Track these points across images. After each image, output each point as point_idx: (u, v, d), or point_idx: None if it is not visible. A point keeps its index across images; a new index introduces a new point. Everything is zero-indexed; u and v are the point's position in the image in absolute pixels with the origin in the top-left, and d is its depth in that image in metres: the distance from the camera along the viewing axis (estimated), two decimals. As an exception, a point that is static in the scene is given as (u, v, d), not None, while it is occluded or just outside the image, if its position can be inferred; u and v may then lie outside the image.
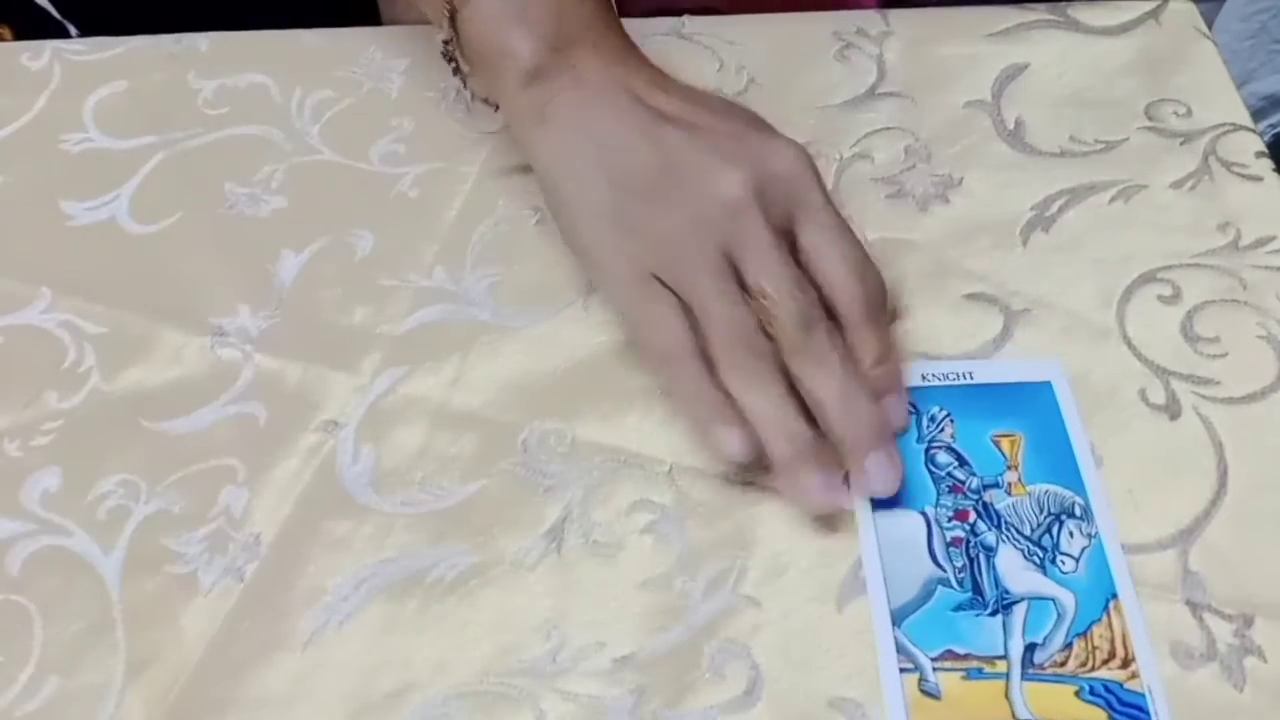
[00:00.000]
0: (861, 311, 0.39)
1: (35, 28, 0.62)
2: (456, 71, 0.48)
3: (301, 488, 0.41)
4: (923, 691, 0.35)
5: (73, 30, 0.63)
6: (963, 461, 0.40)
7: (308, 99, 0.53)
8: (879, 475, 0.38)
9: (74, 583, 0.39)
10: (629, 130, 0.41)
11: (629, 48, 0.45)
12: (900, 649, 0.36)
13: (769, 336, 0.38)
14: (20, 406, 0.43)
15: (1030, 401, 0.41)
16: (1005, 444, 0.40)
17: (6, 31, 0.63)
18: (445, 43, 0.47)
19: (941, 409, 0.41)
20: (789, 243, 0.40)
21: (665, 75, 0.44)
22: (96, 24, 0.60)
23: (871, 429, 0.38)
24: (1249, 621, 0.36)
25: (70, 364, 0.44)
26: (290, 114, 0.52)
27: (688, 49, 0.55)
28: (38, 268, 0.48)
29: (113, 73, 0.55)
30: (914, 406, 0.41)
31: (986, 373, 0.42)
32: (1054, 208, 0.47)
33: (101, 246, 0.48)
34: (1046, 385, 0.41)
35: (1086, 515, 0.38)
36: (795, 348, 0.38)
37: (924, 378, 0.42)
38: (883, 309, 0.40)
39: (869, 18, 0.55)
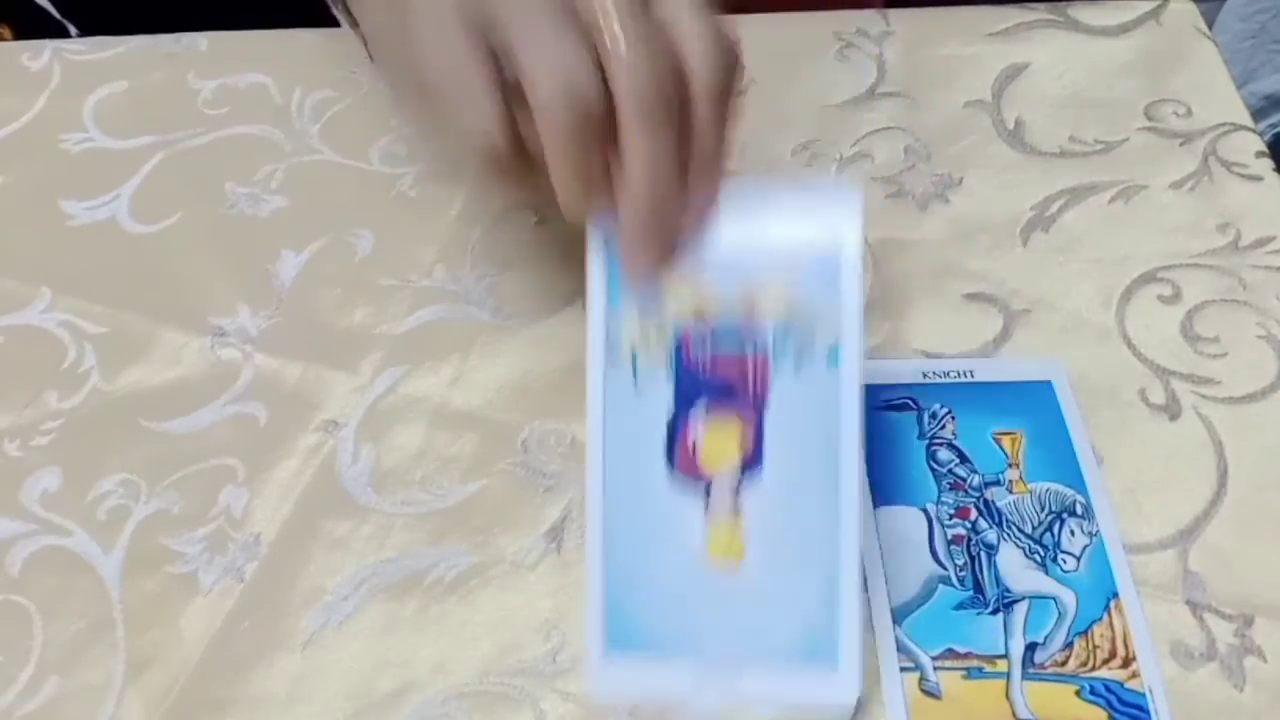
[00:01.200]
0: (709, 94, 0.33)
1: (35, 28, 0.62)
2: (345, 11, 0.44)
3: (301, 488, 0.41)
4: (923, 690, 0.35)
5: (73, 30, 0.62)
6: (964, 459, 0.40)
7: (308, 99, 0.53)
8: (645, 254, 0.34)
9: (74, 583, 0.39)
10: None
11: None
12: (900, 648, 0.36)
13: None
14: (20, 406, 0.43)
15: (1031, 400, 0.41)
16: (1006, 442, 0.40)
17: (6, 31, 0.63)
18: None
19: (943, 406, 0.41)
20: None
21: None
22: (96, 24, 0.60)
23: (664, 217, 0.34)
24: (1249, 621, 0.36)
25: (70, 364, 0.44)
26: (290, 114, 0.52)
27: (688, 49, 0.55)
28: (38, 268, 0.48)
29: (113, 72, 0.55)
30: (915, 403, 0.41)
31: (988, 371, 0.42)
32: (1054, 208, 0.47)
33: (101, 246, 0.48)
34: (1048, 384, 0.41)
35: (1088, 514, 0.38)
36: (636, 103, 0.32)
37: (925, 375, 0.42)
38: (732, 93, 0.34)
39: (869, 18, 0.55)
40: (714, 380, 0.35)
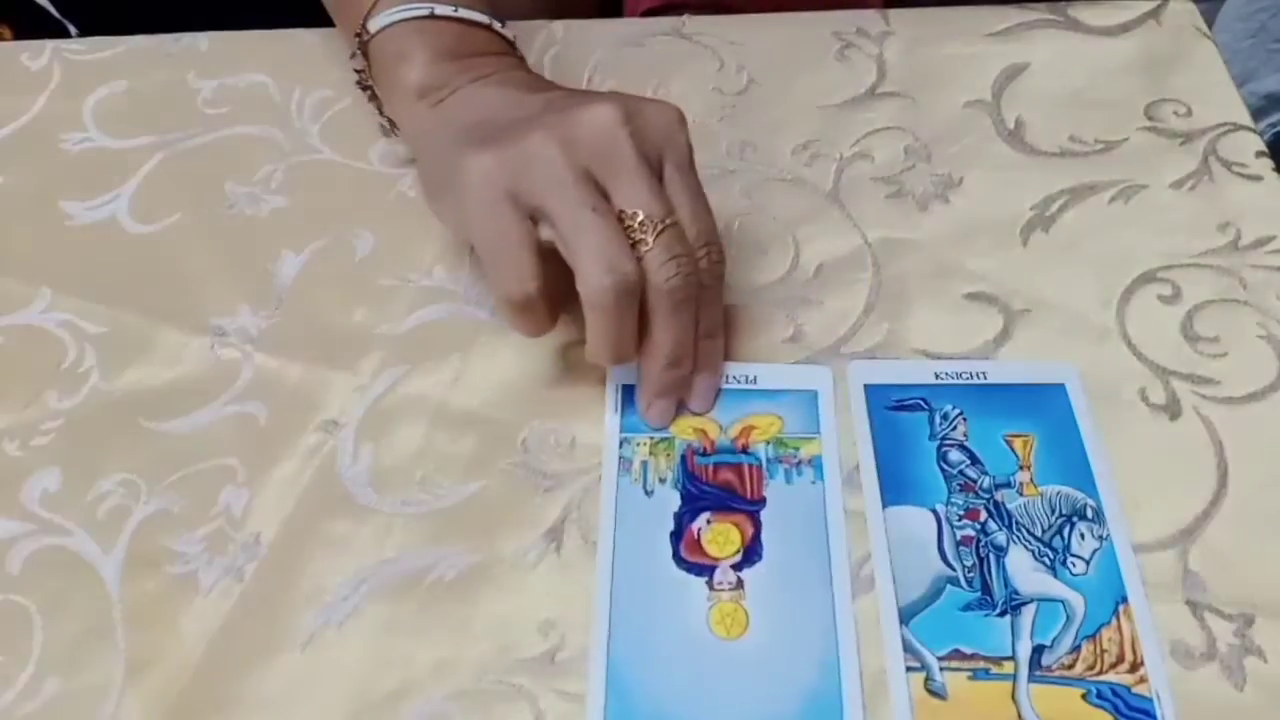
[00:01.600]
0: (713, 281, 0.40)
1: (35, 27, 0.62)
2: (372, 98, 0.48)
3: (301, 488, 0.41)
4: (929, 691, 0.35)
5: (73, 30, 0.63)
6: (975, 460, 0.40)
7: (308, 99, 0.53)
8: (662, 418, 0.41)
9: (74, 583, 0.39)
10: (509, 97, 0.42)
11: (525, 66, 0.47)
12: (907, 647, 0.36)
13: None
14: (20, 406, 0.43)
15: (1044, 402, 0.41)
16: (1018, 444, 0.40)
17: (6, 31, 0.63)
18: (359, 71, 0.48)
19: (954, 407, 0.41)
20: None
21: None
22: (96, 24, 0.60)
23: (678, 386, 0.41)
24: (1249, 621, 0.36)
25: (70, 364, 0.44)
26: (290, 114, 0.52)
27: (688, 49, 0.55)
28: (38, 268, 0.48)
29: (113, 72, 0.55)
30: (926, 404, 0.41)
31: (1000, 373, 0.42)
32: (1054, 208, 0.47)
33: (101, 246, 0.48)
34: (1060, 387, 0.41)
35: (1098, 518, 0.38)
36: (664, 282, 0.38)
37: (937, 376, 0.42)
38: (722, 284, 0.41)
39: (869, 18, 0.55)
40: (716, 486, 0.40)
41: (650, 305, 0.38)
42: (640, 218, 0.38)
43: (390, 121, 0.48)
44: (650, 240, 0.38)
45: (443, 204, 0.42)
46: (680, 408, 0.41)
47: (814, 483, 0.40)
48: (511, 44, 0.47)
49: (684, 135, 0.40)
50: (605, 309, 0.37)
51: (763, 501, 0.39)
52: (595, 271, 0.37)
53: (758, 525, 0.39)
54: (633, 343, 0.39)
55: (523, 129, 0.38)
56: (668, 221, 0.38)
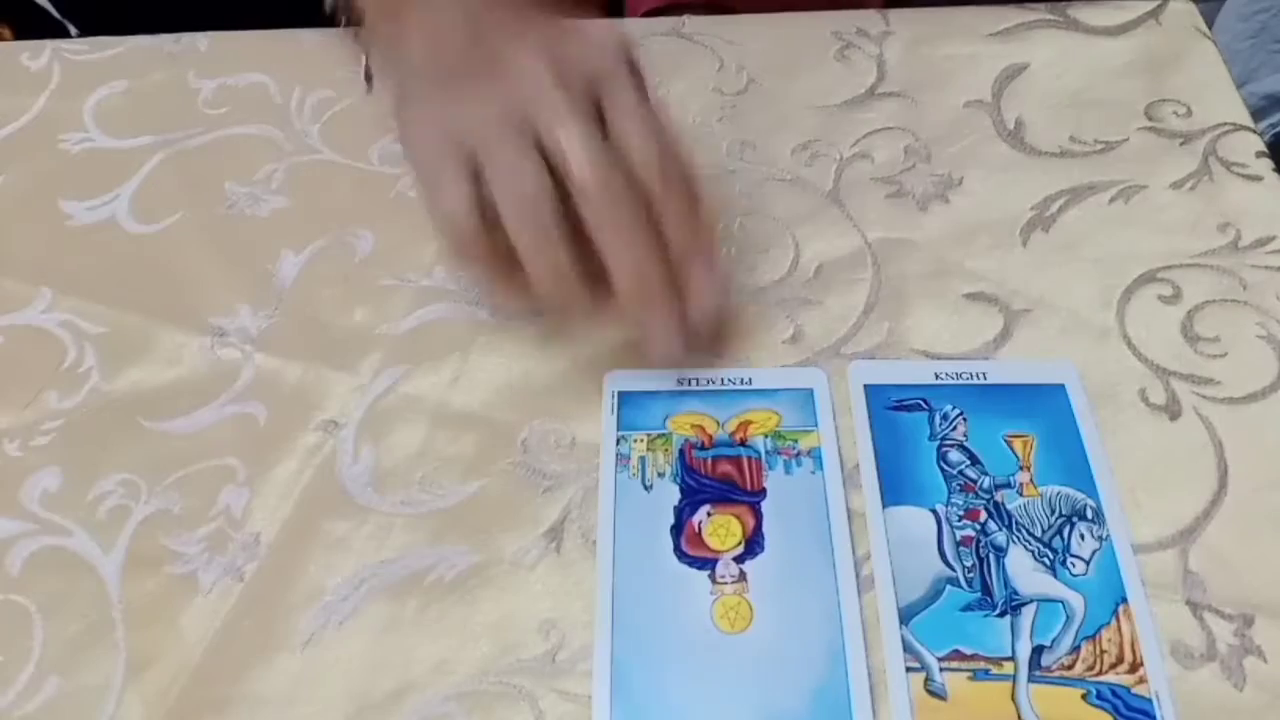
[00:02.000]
0: (663, 184, 0.38)
1: (35, 27, 0.62)
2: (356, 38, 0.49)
3: (301, 488, 0.41)
4: (929, 691, 0.35)
5: (73, 30, 0.63)
6: (974, 460, 0.40)
7: (308, 99, 0.53)
8: (662, 336, 0.39)
9: (74, 583, 0.39)
10: (456, 22, 0.42)
11: None
12: (907, 648, 0.36)
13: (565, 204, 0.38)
14: (20, 406, 0.43)
15: (1043, 403, 0.41)
16: (1018, 444, 0.40)
17: (6, 31, 0.63)
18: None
19: (954, 407, 0.41)
20: (598, 118, 0.39)
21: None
22: (96, 24, 0.60)
23: (660, 294, 0.38)
24: (1249, 621, 0.36)
25: (70, 364, 0.44)
26: (290, 114, 0.52)
27: (688, 49, 0.55)
28: (38, 268, 0.48)
29: (113, 72, 0.55)
30: (927, 404, 0.41)
31: (1000, 373, 0.42)
32: (1054, 208, 0.47)
33: (101, 246, 0.48)
34: (1060, 387, 0.41)
35: (1098, 518, 0.38)
36: (597, 218, 0.37)
37: (937, 376, 0.42)
38: (687, 183, 0.39)
39: (869, 18, 0.55)
40: (715, 478, 0.40)
41: (591, 234, 0.38)
42: (570, 161, 0.37)
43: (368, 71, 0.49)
44: (578, 159, 0.37)
45: (394, 115, 0.43)
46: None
47: (814, 473, 0.40)
48: None
49: (620, 61, 0.40)
50: (522, 228, 0.37)
51: (763, 492, 0.39)
52: (507, 195, 0.37)
53: (759, 517, 0.39)
54: (575, 272, 0.38)
55: (464, 79, 0.40)
56: (596, 162, 0.37)
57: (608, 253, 0.38)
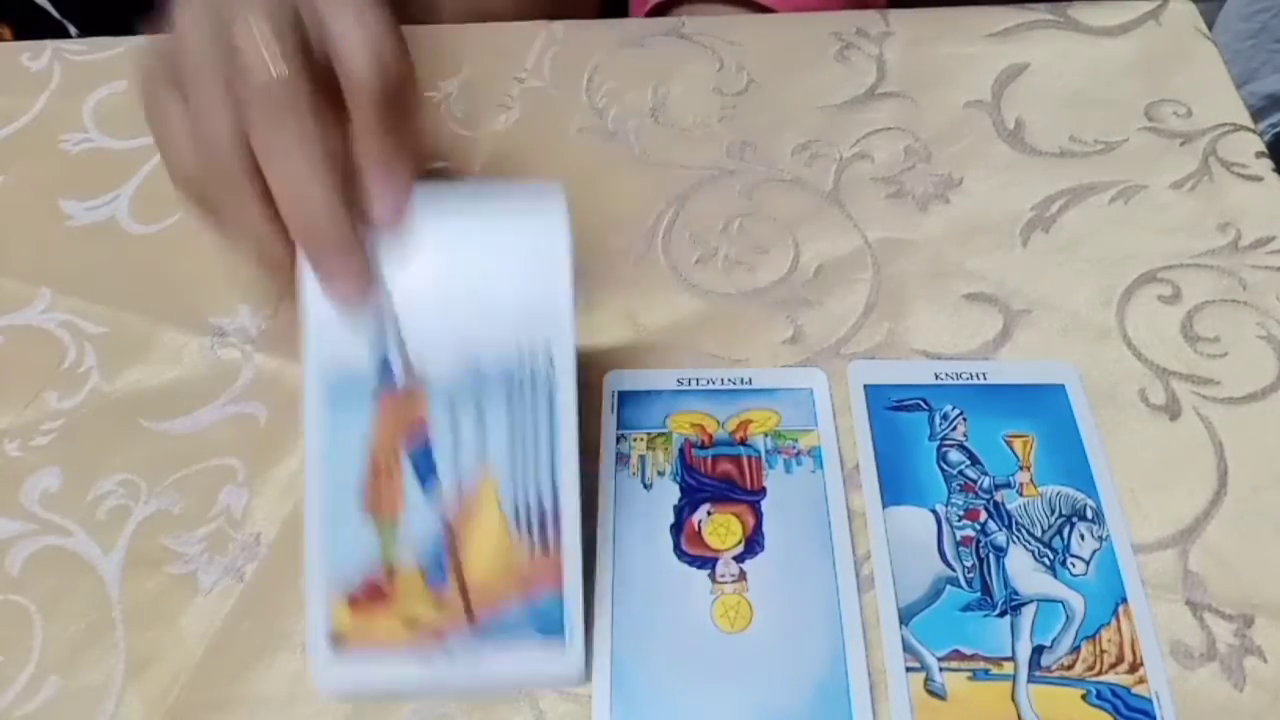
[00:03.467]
0: (367, 95, 0.33)
1: (35, 28, 0.62)
2: None
3: (301, 488, 0.41)
4: (929, 691, 0.35)
5: (73, 30, 0.62)
6: (975, 460, 0.40)
7: (308, 99, 0.53)
8: (331, 285, 0.34)
9: (74, 583, 0.39)
10: None
11: None
12: (907, 648, 0.36)
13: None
14: (20, 406, 0.43)
15: (1043, 403, 0.41)
16: (1017, 444, 0.40)
17: (6, 31, 0.63)
18: None
19: (954, 407, 0.41)
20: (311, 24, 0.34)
21: None
22: (96, 24, 0.60)
23: (329, 239, 0.33)
24: (1249, 621, 0.36)
25: (70, 364, 0.44)
26: (290, 114, 0.52)
27: (688, 49, 0.55)
28: (38, 268, 0.48)
29: (113, 73, 0.55)
30: (926, 404, 0.41)
31: (1000, 373, 0.42)
32: (1054, 208, 0.47)
33: (101, 246, 0.48)
34: (1060, 387, 0.41)
35: (1098, 518, 0.38)
36: (256, 130, 0.33)
37: (937, 376, 0.42)
38: (395, 95, 0.34)
39: (869, 18, 0.55)
40: (715, 477, 0.40)
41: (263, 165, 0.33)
42: (240, 55, 0.33)
43: None
44: (248, 86, 0.33)
45: None
46: None
47: (814, 472, 0.40)
48: None
49: None
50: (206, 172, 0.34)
51: (763, 492, 0.39)
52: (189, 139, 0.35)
53: (759, 516, 0.39)
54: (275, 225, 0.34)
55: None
56: (267, 62, 0.33)
57: (269, 179, 0.33)
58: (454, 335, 0.34)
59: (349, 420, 0.34)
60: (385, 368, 0.34)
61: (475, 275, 0.35)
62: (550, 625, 0.34)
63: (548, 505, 0.34)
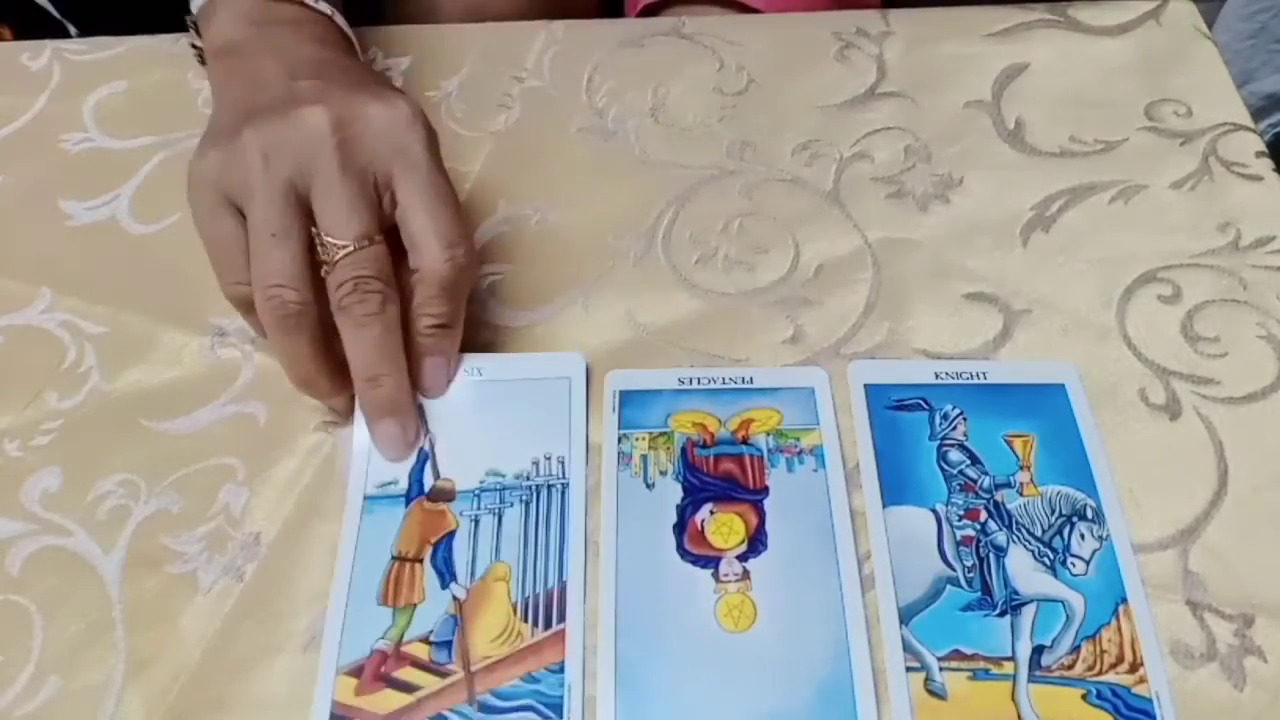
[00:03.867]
0: (435, 280, 0.39)
1: (35, 27, 0.62)
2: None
3: (301, 488, 0.41)
4: (929, 691, 0.35)
5: (73, 30, 0.62)
6: (975, 460, 0.40)
7: (308, 99, 0.53)
8: (386, 444, 0.40)
9: (74, 583, 0.39)
10: (267, 77, 0.41)
11: (333, 35, 0.46)
12: (907, 647, 0.36)
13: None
14: (20, 406, 0.43)
15: (1044, 403, 0.41)
16: (1018, 444, 0.40)
17: (6, 31, 0.63)
18: (195, 47, 0.49)
19: (955, 407, 0.41)
20: (382, 191, 0.39)
21: (354, 65, 0.45)
22: (96, 24, 0.60)
23: (389, 405, 0.39)
24: (1249, 621, 0.36)
25: (70, 364, 0.44)
26: (290, 114, 0.52)
27: (688, 49, 0.55)
28: (38, 268, 0.48)
29: (113, 73, 0.55)
30: (927, 403, 0.41)
31: (1000, 373, 0.42)
32: (1054, 208, 0.47)
33: (101, 246, 0.48)
34: (1060, 387, 0.41)
35: (1098, 518, 0.38)
36: (338, 304, 0.38)
37: (937, 376, 0.42)
38: (461, 282, 0.40)
39: (869, 18, 0.55)
40: (717, 477, 0.40)
41: (337, 324, 0.39)
42: (327, 239, 0.38)
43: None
44: (333, 264, 0.38)
45: None
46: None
47: (816, 471, 0.40)
48: (324, 14, 0.46)
49: (417, 134, 0.40)
50: (270, 331, 0.38)
51: (765, 491, 0.39)
52: (259, 298, 0.38)
53: (761, 515, 0.39)
54: (319, 369, 0.39)
55: (242, 126, 0.39)
56: (356, 245, 0.38)
57: (347, 345, 0.39)
58: (481, 453, 0.40)
59: (380, 527, 0.39)
60: (418, 479, 0.40)
61: (502, 407, 0.41)
62: (551, 703, 0.35)
63: (555, 590, 0.37)
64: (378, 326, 0.38)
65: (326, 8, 0.46)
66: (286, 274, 0.37)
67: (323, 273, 0.38)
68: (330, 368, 0.39)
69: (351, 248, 0.38)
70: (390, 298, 0.38)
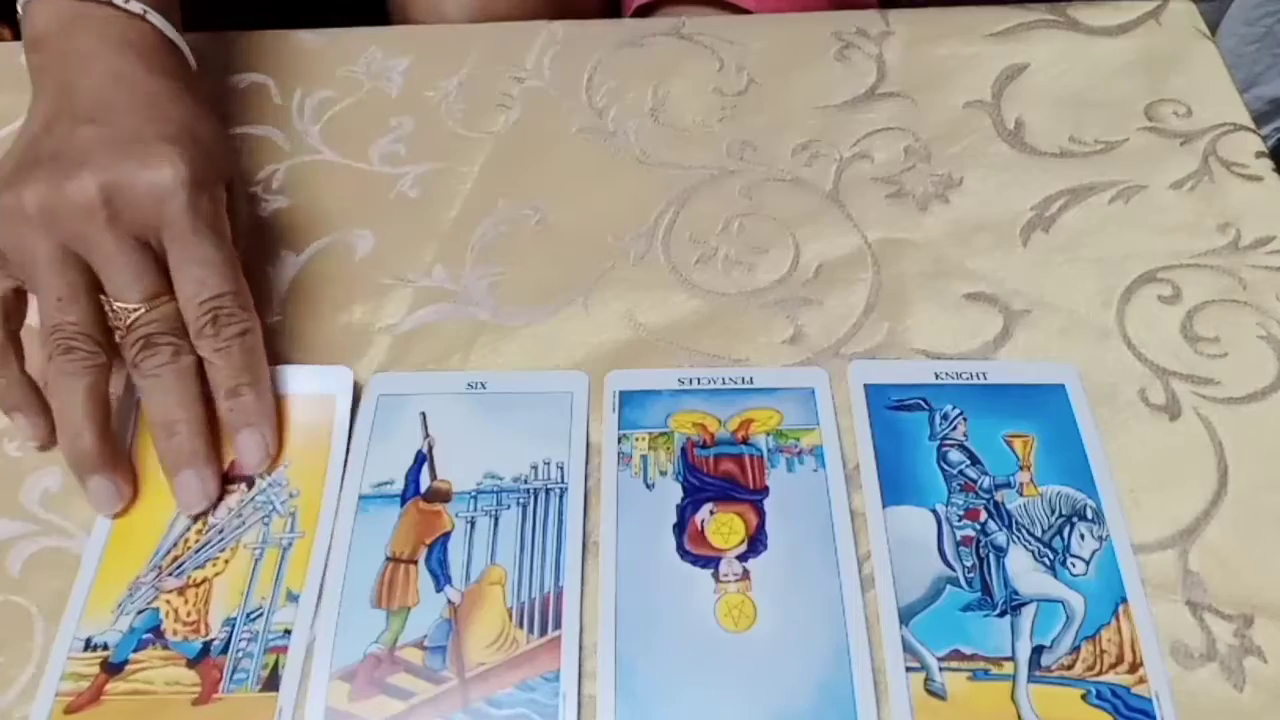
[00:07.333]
0: (208, 350, 0.39)
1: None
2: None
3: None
4: (928, 691, 0.35)
5: (73, 31, 0.62)
6: (975, 460, 0.40)
7: (308, 99, 0.53)
8: (185, 496, 0.39)
9: (74, 583, 0.39)
10: (59, 105, 0.42)
11: (137, 46, 0.44)
12: (907, 647, 0.36)
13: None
14: (20, 406, 0.43)
15: (1044, 403, 0.41)
16: (1018, 444, 0.40)
17: (6, 31, 0.63)
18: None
19: (955, 407, 0.41)
20: (163, 250, 0.40)
21: (161, 76, 0.44)
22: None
23: (186, 455, 0.39)
24: (1249, 621, 0.36)
25: (70, 364, 0.44)
26: (290, 114, 0.52)
27: (688, 49, 0.55)
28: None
29: (113, 73, 0.55)
30: (927, 404, 0.41)
31: (1000, 373, 0.42)
32: (1054, 208, 0.47)
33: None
34: (1060, 387, 0.41)
35: (1098, 518, 0.38)
36: (132, 363, 0.39)
37: (937, 376, 0.42)
38: (237, 345, 0.40)
39: (869, 18, 0.55)
40: (717, 477, 0.40)
41: (135, 385, 0.39)
42: (115, 305, 0.39)
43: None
44: (124, 328, 0.39)
45: None
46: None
47: (816, 471, 0.40)
48: (135, 14, 0.44)
49: (177, 202, 0.39)
50: (49, 392, 0.39)
51: (765, 491, 0.39)
52: (49, 347, 0.39)
53: (761, 515, 0.39)
54: (89, 425, 0.39)
55: (21, 182, 0.39)
56: (147, 307, 0.39)
57: (145, 403, 0.40)
58: (479, 456, 0.40)
59: (374, 527, 0.39)
60: (414, 479, 0.40)
61: (503, 414, 0.41)
62: (547, 712, 0.35)
63: (551, 595, 0.37)
64: (170, 376, 0.39)
65: (138, 6, 0.44)
66: (81, 325, 0.38)
67: (117, 338, 0.39)
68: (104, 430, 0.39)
69: (142, 309, 0.39)
70: (182, 349, 0.39)
